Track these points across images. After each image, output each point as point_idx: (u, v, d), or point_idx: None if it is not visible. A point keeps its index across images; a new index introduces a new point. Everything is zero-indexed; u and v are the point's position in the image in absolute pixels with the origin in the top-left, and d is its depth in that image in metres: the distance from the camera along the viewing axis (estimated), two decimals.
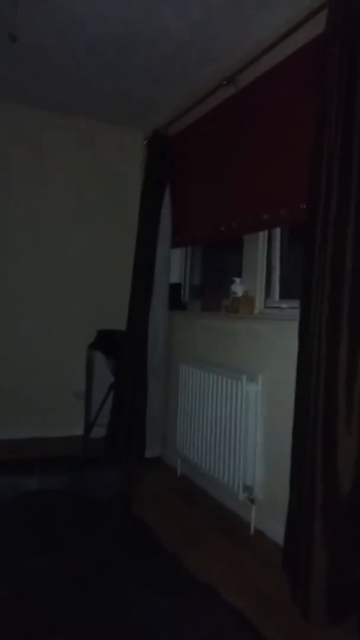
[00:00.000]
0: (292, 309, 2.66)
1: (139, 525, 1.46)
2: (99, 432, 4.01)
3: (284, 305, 2.75)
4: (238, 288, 2.92)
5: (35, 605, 1.03)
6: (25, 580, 1.10)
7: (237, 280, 2.95)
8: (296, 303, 2.67)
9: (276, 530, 2.48)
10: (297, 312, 2.49)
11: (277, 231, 2.85)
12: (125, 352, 3.72)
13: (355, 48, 1.93)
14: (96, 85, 3.54)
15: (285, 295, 2.88)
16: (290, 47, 2.46)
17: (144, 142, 3.98)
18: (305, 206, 2.31)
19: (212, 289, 3.69)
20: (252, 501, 2.62)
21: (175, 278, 3.86)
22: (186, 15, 2.65)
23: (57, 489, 1.45)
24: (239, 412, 2.64)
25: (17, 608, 1.03)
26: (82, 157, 4.22)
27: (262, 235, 2.89)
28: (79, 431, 4.17)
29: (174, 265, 3.83)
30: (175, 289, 3.76)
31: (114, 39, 2.92)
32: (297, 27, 2.35)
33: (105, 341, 4.03)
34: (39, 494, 1.38)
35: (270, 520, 2.57)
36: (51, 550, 1.20)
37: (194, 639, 0.94)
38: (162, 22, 2.72)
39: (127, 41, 2.93)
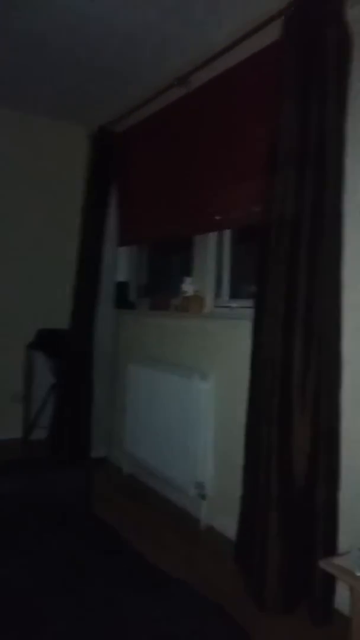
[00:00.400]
0: (241, 308, 2.73)
1: (101, 525, 1.43)
2: (38, 434, 3.87)
3: (233, 304, 2.81)
4: (188, 287, 2.94)
5: (8, 613, 0.97)
6: None
7: (188, 279, 2.98)
8: (246, 302, 2.75)
9: (226, 525, 2.53)
10: (246, 311, 2.57)
11: (227, 231, 2.91)
12: (69, 351, 3.62)
13: (310, 56, 2.01)
14: (38, 77, 3.41)
15: (233, 294, 2.94)
16: (245, 52, 2.52)
17: (87, 137, 3.90)
18: (258, 209, 2.38)
19: (160, 288, 3.69)
20: (202, 497, 2.65)
21: (121, 276, 3.81)
22: (139, 14, 2.63)
23: (16, 492, 1.38)
24: (191, 410, 2.66)
25: None
26: (18, 151, 4.06)
27: (213, 236, 2.93)
28: (16, 434, 4.01)
29: (120, 263, 3.78)
30: (122, 287, 3.72)
31: (62, 31, 2.83)
32: (252, 33, 2.40)
33: (46, 341, 3.90)
34: None
35: (221, 515, 2.61)
36: (15, 557, 1.14)
37: (177, 634, 0.93)
38: (114, 18, 2.68)
39: (76, 34, 2.85)
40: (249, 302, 2.64)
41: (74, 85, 3.50)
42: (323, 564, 1.64)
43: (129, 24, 2.72)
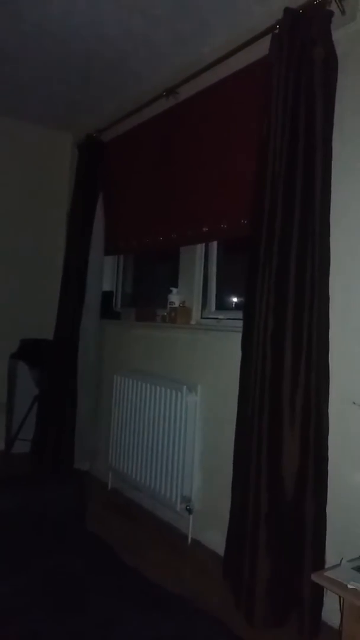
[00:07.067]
0: (228, 319, 2.74)
1: (97, 542, 1.40)
2: (21, 447, 3.80)
3: (220, 316, 2.82)
4: (175, 298, 2.93)
5: (5, 633, 0.94)
6: None
7: (174, 290, 2.97)
8: (232, 314, 2.76)
9: (213, 539, 2.51)
10: (233, 323, 2.57)
11: (214, 243, 2.92)
12: (53, 362, 3.57)
13: (298, 72, 2.04)
14: (27, 84, 3.41)
15: (218, 306, 2.95)
16: (234, 65, 2.54)
17: (75, 146, 3.90)
18: (246, 221, 2.40)
19: (145, 298, 3.68)
20: (189, 511, 2.63)
21: (106, 285, 3.79)
22: (128, 26, 2.65)
23: (11, 508, 1.35)
24: (178, 423, 2.64)
25: None
26: (4, 157, 4.01)
27: (200, 247, 2.94)
28: None
29: (105, 272, 3.76)
30: (107, 297, 3.70)
31: (52, 39, 2.83)
32: (241, 48, 2.43)
33: (29, 351, 3.85)
34: None
35: (208, 529, 2.59)
36: (14, 574, 1.11)
37: None
38: (104, 29, 2.69)
39: (65, 43, 2.86)
40: (236, 314, 2.66)
41: (63, 93, 3.50)
42: (315, 577, 1.64)
43: (119, 35, 2.74)
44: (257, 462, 2.00)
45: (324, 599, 1.94)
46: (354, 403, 1.95)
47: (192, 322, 2.92)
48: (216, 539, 2.45)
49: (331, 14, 2.03)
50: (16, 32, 2.78)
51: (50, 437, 3.52)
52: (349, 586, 1.54)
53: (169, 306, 2.95)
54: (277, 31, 2.16)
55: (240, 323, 2.27)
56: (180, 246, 3.04)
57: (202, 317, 2.93)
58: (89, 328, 3.54)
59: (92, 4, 2.49)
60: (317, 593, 1.92)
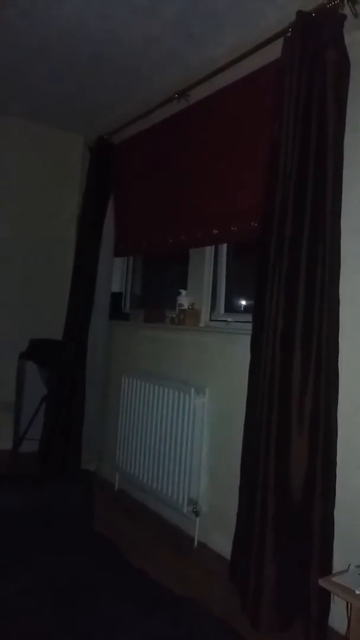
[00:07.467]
0: (237, 322, 2.74)
1: (103, 542, 1.41)
2: (28, 446, 3.82)
3: (229, 318, 2.82)
4: (184, 300, 2.94)
5: (13, 632, 0.94)
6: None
7: (183, 292, 2.98)
8: (241, 317, 2.76)
9: (220, 542, 2.51)
10: (242, 325, 2.57)
11: (224, 245, 2.92)
12: (62, 362, 3.59)
13: (310, 75, 2.04)
14: (39, 85, 3.43)
15: (227, 308, 2.94)
16: (245, 68, 2.54)
17: (86, 147, 3.92)
18: (256, 224, 2.39)
19: (154, 300, 3.68)
20: (196, 514, 2.63)
21: (115, 286, 3.80)
22: (141, 28, 2.66)
23: (18, 507, 1.35)
24: (186, 425, 2.64)
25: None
26: (16, 158, 4.05)
27: (209, 249, 2.94)
28: (6, 445, 3.95)
29: (114, 273, 3.77)
30: (116, 298, 3.71)
31: (64, 41, 2.85)
32: (252, 52, 2.44)
33: (38, 351, 3.87)
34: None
35: (214, 532, 2.58)
36: (21, 573, 1.11)
37: None
38: (115, 32, 2.71)
39: (78, 45, 2.88)
40: (245, 317, 2.66)
41: (74, 95, 3.52)
42: (322, 582, 1.63)
43: (131, 37, 2.75)
44: (265, 465, 2.00)
45: (331, 604, 1.93)
46: None
47: (201, 324, 2.92)
48: (223, 542, 2.44)
49: (344, 17, 2.03)
50: (28, 34, 2.80)
51: (58, 437, 3.53)
52: (357, 592, 1.53)
53: (177, 308, 2.95)
54: (289, 34, 2.16)
55: (249, 326, 2.27)
56: (189, 248, 3.04)
57: (210, 320, 2.93)
58: (97, 329, 3.55)
59: (104, 7, 2.50)
60: (324, 598, 1.90)
